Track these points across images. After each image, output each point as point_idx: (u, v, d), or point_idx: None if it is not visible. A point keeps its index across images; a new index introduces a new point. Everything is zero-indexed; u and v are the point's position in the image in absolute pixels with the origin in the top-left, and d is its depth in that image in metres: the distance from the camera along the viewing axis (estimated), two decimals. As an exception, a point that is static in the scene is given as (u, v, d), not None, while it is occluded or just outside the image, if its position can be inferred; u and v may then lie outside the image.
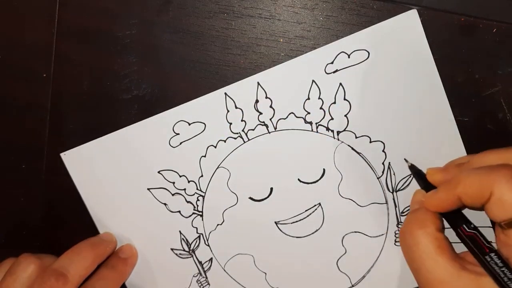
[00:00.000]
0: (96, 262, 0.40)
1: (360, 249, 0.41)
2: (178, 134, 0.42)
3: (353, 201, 0.41)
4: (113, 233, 0.43)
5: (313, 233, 0.42)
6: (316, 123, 0.41)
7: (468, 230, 0.32)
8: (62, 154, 0.43)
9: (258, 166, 0.41)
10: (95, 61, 0.42)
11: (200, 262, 0.43)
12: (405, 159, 0.39)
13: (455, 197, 0.31)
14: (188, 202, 0.42)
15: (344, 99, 0.40)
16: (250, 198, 0.42)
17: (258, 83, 0.41)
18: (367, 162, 0.41)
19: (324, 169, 0.41)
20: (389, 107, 0.40)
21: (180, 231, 0.43)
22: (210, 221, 0.42)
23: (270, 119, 0.41)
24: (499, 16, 0.39)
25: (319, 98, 0.40)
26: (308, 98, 0.40)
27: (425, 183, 0.36)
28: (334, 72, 0.40)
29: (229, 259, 0.43)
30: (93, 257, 0.40)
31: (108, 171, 0.42)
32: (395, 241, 0.41)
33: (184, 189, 0.42)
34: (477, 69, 0.39)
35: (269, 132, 0.41)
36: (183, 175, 0.42)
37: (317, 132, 0.41)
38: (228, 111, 0.41)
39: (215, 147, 0.41)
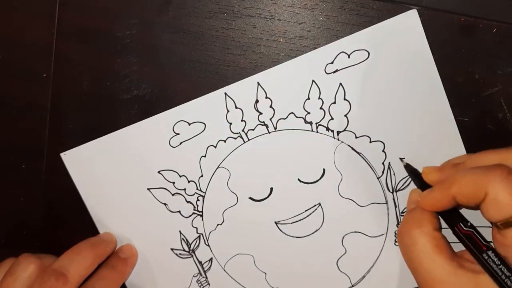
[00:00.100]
0: (96, 262, 0.40)
1: (360, 249, 0.41)
2: (178, 134, 0.42)
3: (353, 201, 0.41)
4: (113, 233, 0.43)
5: (313, 233, 0.42)
6: (316, 123, 0.41)
7: (465, 228, 0.32)
8: (62, 154, 0.43)
9: (258, 166, 0.41)
10: (95, 61, 0.42)
11: (200, 262, 0.43)
12: (400, 158, 0.39)
13: (450, 196, 0.31)
14: (188, 202, 0.42)
15: (344, 99, 0.40)
16: (250, 198, 0.42)
17: (258, 83, 0.41)
18: (367, 162, 0.41)
19: (324, 169, 0.41)
20: (389, 107, 0.40)
21: (180, 231, 0.43)
22: (210, 221, 0.42)
23: (270, 119, 0.41)
24: (499, 16, 0.39)
25: (319, 98, 0.40)
26: (308, 98, 0.40)
27: (421, 182, 0.36)
28: (334, 72, 0.40)
29: (229, 259, 0.43)
30: (93, 257, 0.40)
31: (108, 171, 0.42)
32: (395, 241, 0.41)
33: (184, 189, 0.42)
34: (477, 69, 0.39)
35: (269, 132, 0.41)
36: (183, 175, 0.42)
37: (317, 132, 0.41)
38: (228, 111, 0.41)
39: (215, 147, 0.41)
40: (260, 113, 0.41)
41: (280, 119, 0.41)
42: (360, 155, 0.41)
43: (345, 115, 0.40)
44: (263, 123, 0.41)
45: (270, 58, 0.41)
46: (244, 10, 0.41)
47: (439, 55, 0.39)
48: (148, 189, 0.42)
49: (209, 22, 0.41)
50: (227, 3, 0.41)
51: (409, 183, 0.40)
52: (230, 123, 0.41)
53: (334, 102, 0.40)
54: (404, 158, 0.39)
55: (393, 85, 0.40)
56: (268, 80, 0.40)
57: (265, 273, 0.43)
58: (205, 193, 0.42)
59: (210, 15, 0.41)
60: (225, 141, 0.41)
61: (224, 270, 0.43)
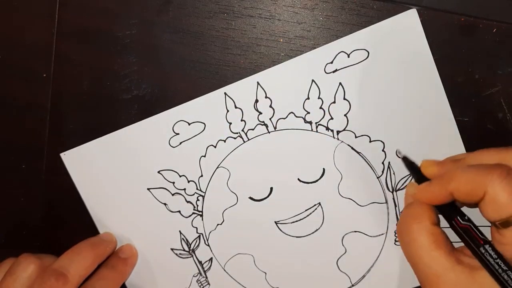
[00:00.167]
0: (96, 262, 0.40)
1: (360, 249, 0.41)
2: (178, 134, 0.42)
3: (353, 200, 0.41)
4: (113, 233, 0.43)
5: (313, 232, 0.42)
6: (316, 123, 0.41)
7: (462, 222, 0.32)
8: (62, 154, 0.43)
9: (258, 166, 0.41)
10: (95, 61, 0.42)
11: (200, 262, 0.43)
12: (397, 150, 0.39)
13: (448, 192, 0.31)
14: (188, 202, 0.42)
15: (344, 98, 0.40)
16: (250, 198, 0.42)
17: (258, 83, 0.41)
18: (367, 161, 0.41)
19: (324, 169, 0.41)
20: (389, 107, 0.40)
21: (180, 231, 0.43)
22: (210, 221, 0.42)
23: (270, 119, 0.41)
24: (499, 16, 0.39)
25: (318, 97, 0.40)
26: (308, 98, 0.40)
27: (418, 175, 0.35)
28: (333, 71, 0.40)
29: (229, 259, 0.43)
30: (93, 257, 0.40)
31: (108, 171, 0.42)
32: (395, 241, 0.41)
33: (184, 189, 0.42)
34: (477, 69, 0.39)
35: (269, 132, 0.41)
36: (183, 175, 0.42)
37: (317, 131, 0.41)
38: (228, 111, 0.41)
39: (215, 147, 0.41)
40: (260, 113, 0.41)
41: (279, 118, 0.41)
42: (360, 155, 0.41)
43: (345, 115, 0.40)
44: (263, 123, 0.41)
45: (270, 58, 0.41)
46: (244, 10, 0.41)
47: (439, 55, 0.39)
48: (148, 189, 0.42)
49: (209, 22, 0.41)
50: (227, 3, 0.41)
51: (409, 182, 0.40)
52: (230, 123, 0.41)
53: (334, 102, 0.40)
54: (401, 151, 0.39)
55: (393, 84, 0.40)
56: (268, 80, 0.40)
57: (265, 273, 0.43)
58: (205, 193, 0.42)
59: (210, 15, 0.41)
60: (225, 141, 0.41)
61: (224, 270, 0.43)
